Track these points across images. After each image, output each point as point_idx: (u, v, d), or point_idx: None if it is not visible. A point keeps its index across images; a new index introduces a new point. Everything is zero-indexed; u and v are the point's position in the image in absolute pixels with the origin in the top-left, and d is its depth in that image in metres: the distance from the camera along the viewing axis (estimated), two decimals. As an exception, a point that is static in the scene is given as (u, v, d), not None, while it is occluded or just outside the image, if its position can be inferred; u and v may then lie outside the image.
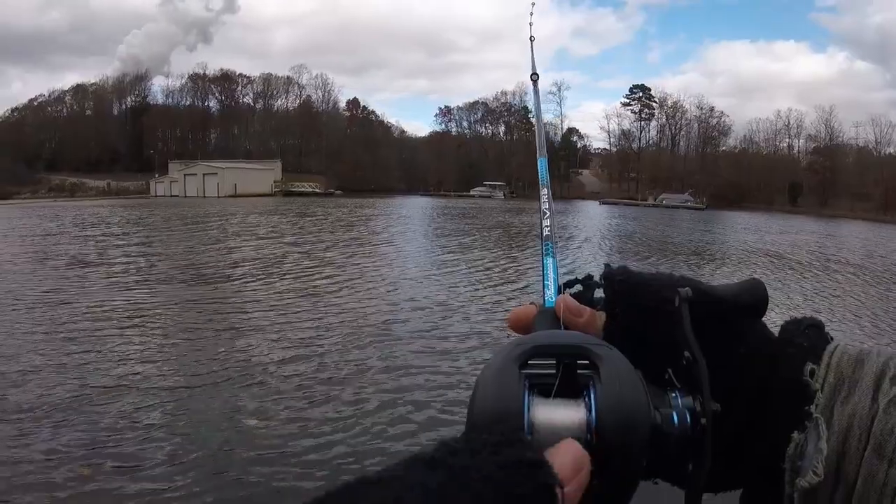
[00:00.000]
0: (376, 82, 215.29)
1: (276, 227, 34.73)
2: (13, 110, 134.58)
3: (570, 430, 0.46)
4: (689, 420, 0.49)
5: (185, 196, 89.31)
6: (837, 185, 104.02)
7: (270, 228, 33.46)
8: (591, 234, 35.54)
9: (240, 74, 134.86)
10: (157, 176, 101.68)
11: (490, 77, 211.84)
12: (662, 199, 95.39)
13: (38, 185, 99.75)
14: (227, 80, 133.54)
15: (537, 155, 1.15)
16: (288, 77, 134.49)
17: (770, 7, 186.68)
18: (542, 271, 0.76)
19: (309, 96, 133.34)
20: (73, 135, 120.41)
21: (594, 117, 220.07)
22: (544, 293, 0.71)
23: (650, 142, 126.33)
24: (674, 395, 0.51)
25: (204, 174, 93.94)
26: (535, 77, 1.56)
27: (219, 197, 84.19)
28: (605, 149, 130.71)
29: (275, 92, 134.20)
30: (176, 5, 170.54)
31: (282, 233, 31.06)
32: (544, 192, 0.94)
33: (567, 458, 0.42)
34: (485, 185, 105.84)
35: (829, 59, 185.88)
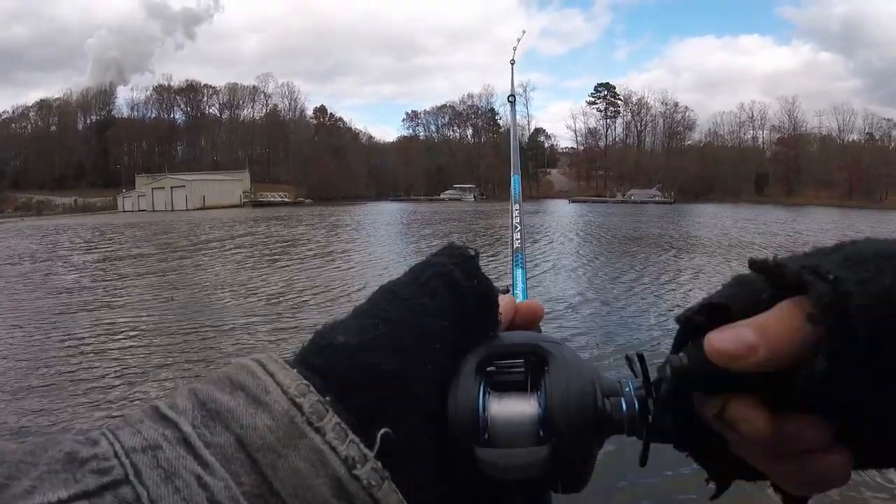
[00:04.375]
0: (343, 89, 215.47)
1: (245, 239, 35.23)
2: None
3: (523, 421, 0.50)
4: (636, 406, 0.51)
5: (154, 210, 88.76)
6: (803, 174, 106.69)
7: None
8: (567, 233, 36.16)
9: (205, 85, 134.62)
10: (124, 191, 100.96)
11: (457, 79, 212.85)
12: (631, 195, 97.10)
13: (3, 203, 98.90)
14: (192, 90, 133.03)
15: (511, 172, 1.37)
16: (254, 86, 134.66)
17: (736, 2, 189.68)
18: (512, 280, 0.83)
19: (276, 105, 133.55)
20: (38, 151, 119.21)
21: (561, 117, 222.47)
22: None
23: (616, 139, 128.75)
24: (628, 385, 0.53)
25: (172, 187, 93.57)
26: (512, 99, 1.82)
27: (187, 210, 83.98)
28: (572, 148, 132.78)
29: (241, 102, 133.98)
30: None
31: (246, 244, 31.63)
32: (516, 207, 1.05)
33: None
34: (454, 189, 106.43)
35: (793, 51, 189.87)
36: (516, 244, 0.94)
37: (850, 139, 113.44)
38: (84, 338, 11.96)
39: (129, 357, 10.38)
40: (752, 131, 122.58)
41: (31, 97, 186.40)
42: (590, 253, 25.64)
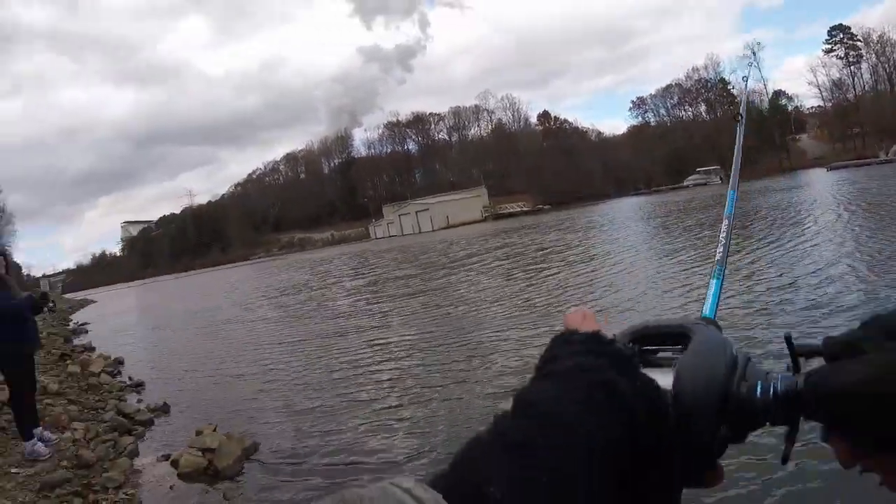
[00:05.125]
0: (562, 90, 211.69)
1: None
2: (235, 186, 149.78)
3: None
4: (771, 392, 0.52)
5: (403, 234, 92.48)
6: None
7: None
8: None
9: (430, 113, 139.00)
10: (373, 220, 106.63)
11: (677, 55, 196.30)
12: None
13: (269, 245, 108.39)
14: (419, 121, 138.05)
15: (729, 187, 1.27)
16: (476, 105, 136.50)
17: None
18: (708, 289, 0.87)
19: (500, 119, 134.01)
20: (292, 197, 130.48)
21: (799, 73, 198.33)
22: (704, 304, 0.82)
23: (865, 87, 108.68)
24: (777, 376, 0.53)
25: (416, 212, 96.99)
26: (739, 118, 1.59)
27: (433, 230, 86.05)
28: (819, 106, 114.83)
29: (466, 122, 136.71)
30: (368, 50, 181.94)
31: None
32: (725, 222, 1.06)
33: (572, 318, 0.57)
34: (698, 173, 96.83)
35: None
36: (718, 255, 1.00)
37: None
38: (362, 359, 11.65)
39: (408, 377, 9.70)
40: None
41: (278, 152, 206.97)
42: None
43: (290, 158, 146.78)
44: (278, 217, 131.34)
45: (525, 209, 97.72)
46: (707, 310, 0.80)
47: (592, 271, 18.58)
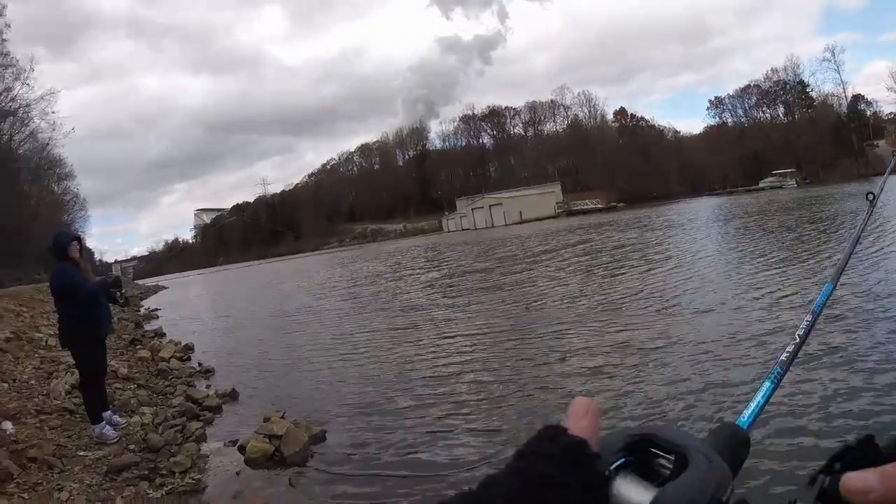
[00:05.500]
0: (640, 87, 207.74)
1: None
2: (310, 175, 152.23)
3: None
4: None
5: (475, 228, 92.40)
6: None
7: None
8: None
9: (506, 107, 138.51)
10: (447, 213, 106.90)
11: (757, 55, 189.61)
12: None
13: (342, 234, 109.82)
14: (495, 115, 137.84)
15: (830, 279, 1.16)
16: (552, 101, 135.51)
17: None
18: (756, 393, 0.79)
19: (576, 115, 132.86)
20: (366, 188, 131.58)
21: (880, 78, 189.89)
22: (745, 410, 0.75)
23: None
24: None
25: (490, 206, 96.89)
26: (871, 196, 1.49)
27: (506, 225, 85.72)
28: None
29: (542, 117, 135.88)
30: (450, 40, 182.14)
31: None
32: (809, 318, 0.95)
33: (575, 408, 0.53)
34: (774, 175, 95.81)
35: None
36: (784, 356, 0.88)
37: None
38: (434, 354, 11.32)
39: (481, 376, 9.25)
40: None
41: (353, 143, 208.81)
42: None
43: (365, 149, 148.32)
44: (351, 208, 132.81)
45: (599, 206, 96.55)
46: (745, 416, 0.74)
47: (671, 270, 17.95)
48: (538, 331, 11.97)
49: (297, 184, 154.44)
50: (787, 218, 31.25)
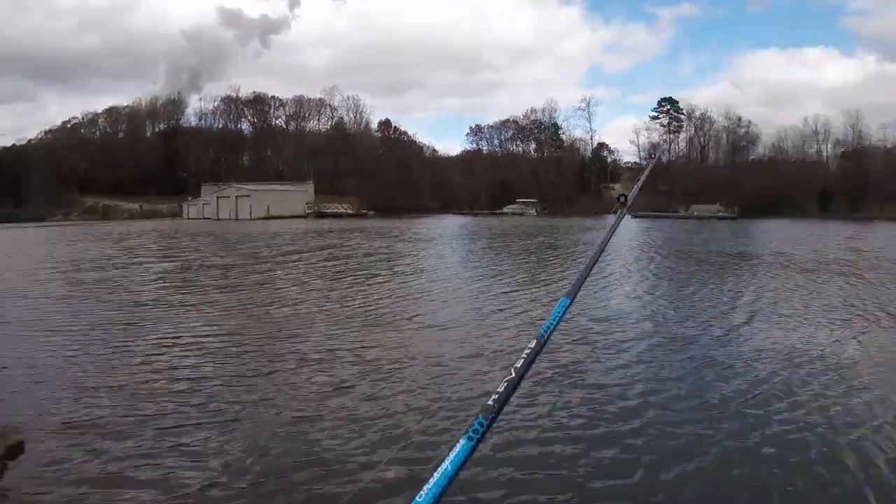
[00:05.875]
0: (409, 102, 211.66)
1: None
2: (46, 132, 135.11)
3: None
4: None
5: (218, 219, 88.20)
6: (869, 189, 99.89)
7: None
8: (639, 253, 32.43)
9: (272, 97, 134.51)
10: (189, 198, 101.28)
11: (521, 94, 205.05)
12: (694, 211, 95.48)
13: (71, 206, 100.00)
14: (259, 102, 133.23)
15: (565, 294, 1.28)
16: (320, 99, 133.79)
17: (800, 13, 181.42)
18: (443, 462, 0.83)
19: (341, 118, 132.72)
20: (106, 157, 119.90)
21: (625, 132, 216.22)
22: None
23: (680, 154, 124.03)
24: None
25: (237, 196, 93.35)
26: (622, 199, 1.64)
27: (251, 219, 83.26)
28: (635, 162, 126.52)
29: (307, 114, 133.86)
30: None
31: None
32: (535, 342, 1.04)
33: None
34: (517, 203, 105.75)
35: (858, 63, 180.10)
36: (496, 394, 0.95)
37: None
38: (157, 360, 10.66)
39: (210, 387, 8.81)
40: (816, 145, 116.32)
41: (103, 104, 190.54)
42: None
43: (113, 112, 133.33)
44: (87, 176, 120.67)
45: (350, 212, 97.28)
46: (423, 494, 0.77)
47: (417, 283, 18.48)
48: (276, 338, 11.67)
49: (31, 139, 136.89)
50: (528, 243, 33.58)
